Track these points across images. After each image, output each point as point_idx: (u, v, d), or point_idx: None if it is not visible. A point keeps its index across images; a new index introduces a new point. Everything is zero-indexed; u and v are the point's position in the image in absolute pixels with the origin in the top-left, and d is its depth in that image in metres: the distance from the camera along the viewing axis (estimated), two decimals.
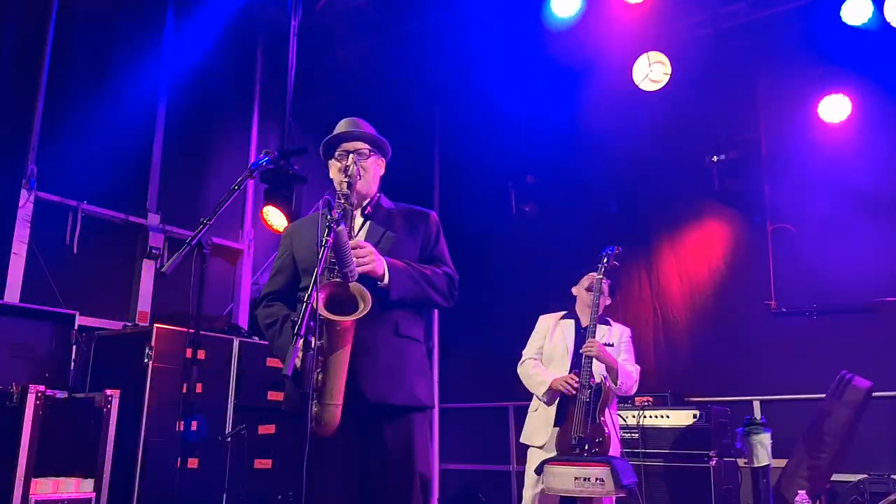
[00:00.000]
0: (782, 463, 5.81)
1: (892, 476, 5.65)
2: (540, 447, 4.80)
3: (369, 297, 2.78)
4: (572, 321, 5.05)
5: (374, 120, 3.43)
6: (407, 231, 3.23)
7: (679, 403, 6.19)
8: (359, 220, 3.20)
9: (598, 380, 4.62)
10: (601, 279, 4.90)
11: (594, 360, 4.64)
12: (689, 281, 7.72)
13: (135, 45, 6.79)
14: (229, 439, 5.33)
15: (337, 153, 3.24)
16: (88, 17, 6.44)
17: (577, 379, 4.62)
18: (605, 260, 4.96)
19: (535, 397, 4.96)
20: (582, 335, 4.88)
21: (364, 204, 3.24)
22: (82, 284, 6.20)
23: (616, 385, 4.65)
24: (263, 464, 5.60)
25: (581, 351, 4.68)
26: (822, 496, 5.47)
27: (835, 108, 6.90)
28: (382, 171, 3.35)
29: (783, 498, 5.31)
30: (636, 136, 7.74)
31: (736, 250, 7.52)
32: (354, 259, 2.83)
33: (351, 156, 3.15)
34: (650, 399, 5.91)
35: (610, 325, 5.03)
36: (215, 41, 7.19)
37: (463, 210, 8.58)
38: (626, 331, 5.09)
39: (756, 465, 4.88)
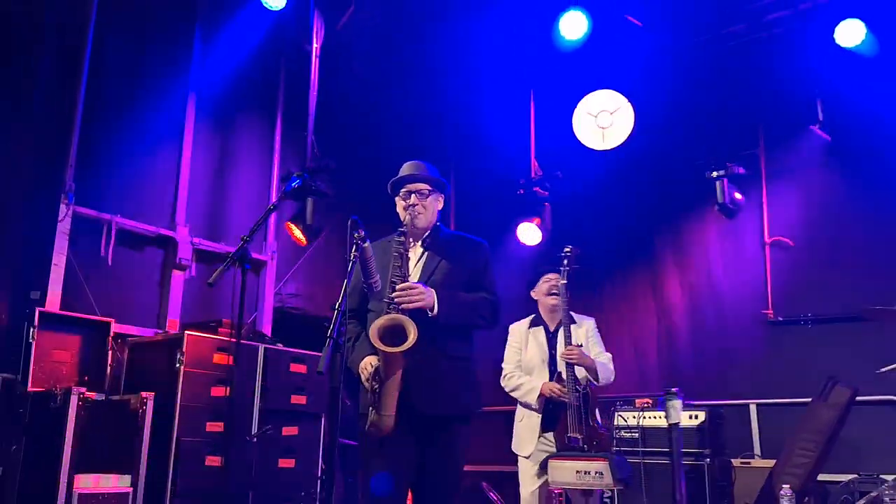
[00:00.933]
0: (771, 463, 6.03)
1: (881, 476, 5.84)
2: (527, 457, 5.01)
3: (416, 330, 3.26)
4: (541, 328, 5.17)
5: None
6: (458, 260, 3.72)
7: None
8: (418, 250, 3.73)
9: (581, 381, 4.81)
10: (566, 283, 4.93)
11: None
12: (690, 291, 7.99)
13: (165, 66, 7.07)
14: (255, 439, 5.58)
15: (402, 192, 3.77)
16: (121, 40, 6.69)
17: (562, 387, 4.79)
18: (566, 262, 4.97)
19: (518, 407, 5.12)
20: (552, 341, 5.06)
21: (424, 236, 3.76)
22: (116, 294, 6.45)
23: (599, 382, 4.87)
24: (287, 463, 5.87)
25: (563, 359, 4.81)
26: (812, 495, 5.72)
27: (830, 124, 7.23)
28: (441, 206, 3.86)
29: (773, 494, 5.57)
30: (640, 152, 7.98)
31: (735, 262, 7.78)
32: (410, 297, 3.37)
33: (413, 196, 3.70)
34: (649, 401, 6.19)
35: (575, 322, 5.07)
36: (240, 61, 7.45)
37: (476, 222, 8.82)
38: (591, 322, 5.21)
39: (670, 422, 5.24)
